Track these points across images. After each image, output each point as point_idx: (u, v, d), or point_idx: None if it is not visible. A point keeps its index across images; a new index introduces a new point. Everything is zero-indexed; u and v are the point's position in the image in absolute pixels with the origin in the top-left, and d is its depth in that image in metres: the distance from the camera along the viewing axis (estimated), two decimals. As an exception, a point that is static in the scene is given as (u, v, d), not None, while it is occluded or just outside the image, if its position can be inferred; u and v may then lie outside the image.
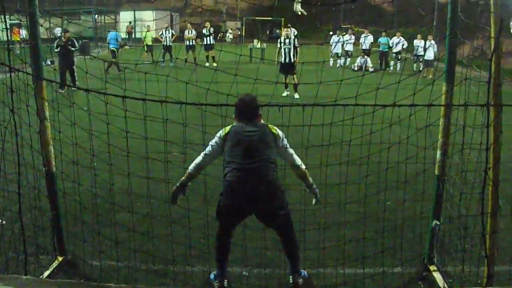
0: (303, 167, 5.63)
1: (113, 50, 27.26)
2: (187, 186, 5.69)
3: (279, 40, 19.52)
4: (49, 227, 6.06)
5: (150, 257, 5.93)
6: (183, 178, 5.65)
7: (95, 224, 6.18)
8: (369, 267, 5.98)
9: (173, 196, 5.66)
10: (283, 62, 18.89)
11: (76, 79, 19.31)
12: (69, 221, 6.23)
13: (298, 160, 5.64)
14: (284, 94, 19.43)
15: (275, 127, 5.62)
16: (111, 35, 27.72)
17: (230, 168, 5.37)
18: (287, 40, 19.10)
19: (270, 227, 5.66)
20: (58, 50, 19.15)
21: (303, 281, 5.75)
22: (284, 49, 18.95)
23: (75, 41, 19.90)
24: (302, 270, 5.83)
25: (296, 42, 19.18)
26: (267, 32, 53.14)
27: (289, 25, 21.02)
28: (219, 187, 5.59)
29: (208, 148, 5.58)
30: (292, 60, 18.93)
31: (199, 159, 5.61)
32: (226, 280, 5.69)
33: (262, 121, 5.71)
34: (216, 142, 5.56)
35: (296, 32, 20.04)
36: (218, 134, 5.58)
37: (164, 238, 6.08)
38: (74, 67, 19.25)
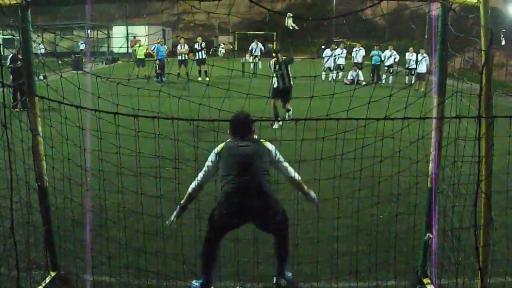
0: (298, 177, 5.83)
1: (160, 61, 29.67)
2: (187, 208, 5.86)
3: (269, 65, 17.06)
4: (42, 242, 6.04)
5: (143, 272, 5.90)
6: (183, 201, 5.84)
7: (88, 239, 6.15)
8: (362, 280, 5.98)
9: (173, 220, 5.83)
10: (276, 87, 16.45)
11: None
12: (61, 237, 6.20)
13: (292, 172, 5.82)
14: (276, 126, 15.51)
15: (267, 142, 5.87)
16: (158, 48, 30.16)
17: (226, 180, 5.57)
18: (277, 66, 16.42)
19: (266, 231, 5.84)
20: (11, 65, 18.05)
21: (287, 283, 6.00)
22: (277, 75, 16.43)
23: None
24: (288, 273, 6.05)
25: (289, 69, 16.54)
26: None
27: (278, 47, 18.07)
28: (212, 203, 5.61)
29: (204, 168, 5.82)
30: (287, 85, 16.46)
31: (197, 178, 5.82)
32: None
33: (255, 137, 5.93)
34: (211, 160, 5.78)
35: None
36: (213, 152, 5.79)
37: (156, 253, 6.05)
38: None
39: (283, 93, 16.57)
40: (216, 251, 5.76)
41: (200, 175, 5.82)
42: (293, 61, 16.98)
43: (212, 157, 5.79)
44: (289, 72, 16.60)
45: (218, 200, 5.61)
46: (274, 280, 6.01)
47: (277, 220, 5.63)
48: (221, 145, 5.80)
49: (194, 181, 5.83)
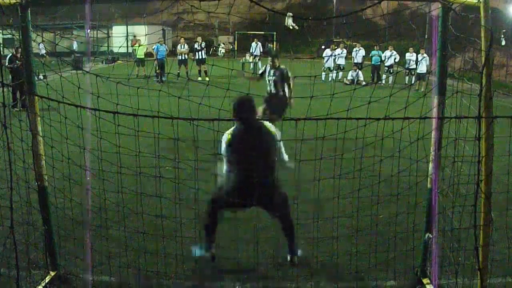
0: (286, 157, 6.46)
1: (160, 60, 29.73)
2: None
3: (264, 69, 13.77)
4: (41, 242, 6.03)
5: (143, 271, 5.90)
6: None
7: (88, 239, 6.14)
8: (362, 280, 5.96)
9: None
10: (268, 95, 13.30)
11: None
12: (61, 236, 6.19)
13: (284, 154, 6.37)
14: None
15: (270, 124, 6.07)
16: (158, 47, 30.33)
17: (233, 162, 5.85)
18: (272, 71, 13.12)
19: (270, 213, 6.14)
20: (11, 65, 17.79)
21: (299, 259, 6.31)
22: (268, 80, 13.27)
23: None
24: (299, 250, 6.37)
25: (287, 74, 13.02)
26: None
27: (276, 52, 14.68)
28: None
29: (222, 153, 5.99)
30: (281, 94, 13.02)
31: (222, 164, 6.04)
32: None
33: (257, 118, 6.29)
34: (224, 150, 5.96)
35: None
36: (223, 140, 5.96)
37: (156, 253, 6.05)
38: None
39: (277, 102, 13.05)
40: (217, 220, 5.98)
41: (221, 162, 6.02)
42: (288, 77, 13.20)
43: (223, 146, 5.93)
44: (284, 83, 13.11)
45: (226, 183, 5.90)
46: (289, 259, 6.27)
47: (279, 203, 5.92)
48: (228, 133, 5.94)
49: (220, 169, 6.04)
